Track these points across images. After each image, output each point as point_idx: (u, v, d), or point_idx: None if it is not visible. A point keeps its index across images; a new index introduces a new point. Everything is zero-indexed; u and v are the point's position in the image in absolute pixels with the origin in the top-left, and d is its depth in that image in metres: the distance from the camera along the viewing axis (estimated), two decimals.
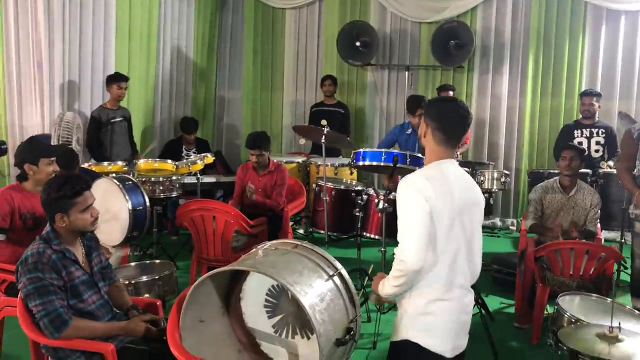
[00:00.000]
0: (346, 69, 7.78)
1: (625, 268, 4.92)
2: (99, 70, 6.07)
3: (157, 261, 4.05)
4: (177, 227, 6.14)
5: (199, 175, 5.75)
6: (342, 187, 5.30)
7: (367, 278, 4.71)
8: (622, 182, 4.11)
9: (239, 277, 2.59)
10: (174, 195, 5.45)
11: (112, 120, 5.86)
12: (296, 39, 8.07)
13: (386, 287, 2.19)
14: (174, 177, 5.38)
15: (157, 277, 3.49)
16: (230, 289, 2.63)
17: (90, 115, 5.82)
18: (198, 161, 5.58)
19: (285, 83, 8.21)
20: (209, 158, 5.77)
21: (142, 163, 5.37)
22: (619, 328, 2.47)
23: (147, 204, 4.45)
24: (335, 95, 7.36)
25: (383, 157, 4.46)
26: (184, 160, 5.68)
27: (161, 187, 5.28)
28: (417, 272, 2.08)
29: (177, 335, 2.37)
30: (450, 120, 2.24)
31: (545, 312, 4.07)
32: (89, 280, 2.67)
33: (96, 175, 4.58)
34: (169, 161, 5.42)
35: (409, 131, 5.78)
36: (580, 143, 5.74)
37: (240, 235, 4.64)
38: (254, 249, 2.51)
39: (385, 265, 4.09)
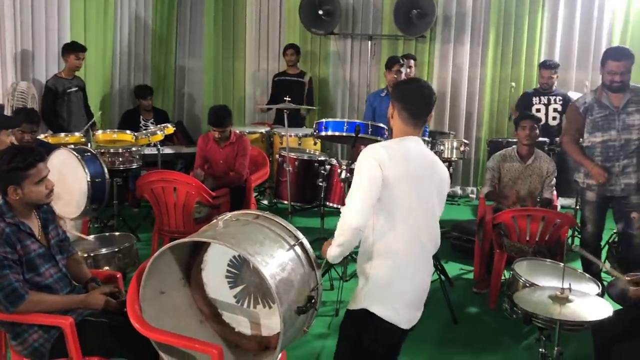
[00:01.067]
0: (309, 38, 7.70)
1: (579, 234, 5.08)
2: (53, 39, 5.86)
3: (117, 233, 4.01)
4: (138, 198, 6.07)
5: (159, 146, 5.66)
6: (306, 157, 5.30)
7: None
8: (571, 154, 4.20)
9: (199, 248, 2.57)
10: (134, 167, 5.37)
11: (68, 91, 5.69)
12: (258, 7, 7.92)
13: (331, 247, 2.26)
14: (133, 148, 5.29)
15: (116, 250, 3.46)
16: (191, 260, 2.62)
17: (45, 85, 5.64)
18: (158, 132, 5.49)
19: (247, 52, 8.08)
20: (170, 128, 5.69)
21: (100, 134, 5.26)
22: (570, 289, 2.56)
23: (107, 175, 4.38)
24: (299, 65, 7.29)
25: (345, 127, 4.46)
26: (144, 131, 5.58)
27: (121, 159, 5.20)
28: (357, 230, 2.16)
29: (137, 307, 2.35)
30: (413, 99, 2.33)
31: (503, 277, 4.19)
32: (45, 253, 2.62)
33: (52, 148, 4.47)
34: (128, 132, 5.32)
35: (384, 94, 5.84)
36: (539, 110, 5.85)
37: (202, 207, 4.61)
38: (215, 220, 2.50)
39: None
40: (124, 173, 5.51)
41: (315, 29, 7.36)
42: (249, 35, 8.02)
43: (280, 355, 2.35)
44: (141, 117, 6.70)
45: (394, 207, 2.20)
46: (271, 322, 2.48)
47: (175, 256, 2.49)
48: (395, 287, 2.23)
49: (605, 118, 3.94)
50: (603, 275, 4.39)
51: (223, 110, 5.01)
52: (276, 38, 7.93)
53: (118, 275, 2.99)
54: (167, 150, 6.20)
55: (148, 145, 5.67)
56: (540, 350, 2.72)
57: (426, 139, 4.73)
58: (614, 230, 4.61)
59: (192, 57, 8.24)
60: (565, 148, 4.27)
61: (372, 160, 2.18)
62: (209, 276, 2.59)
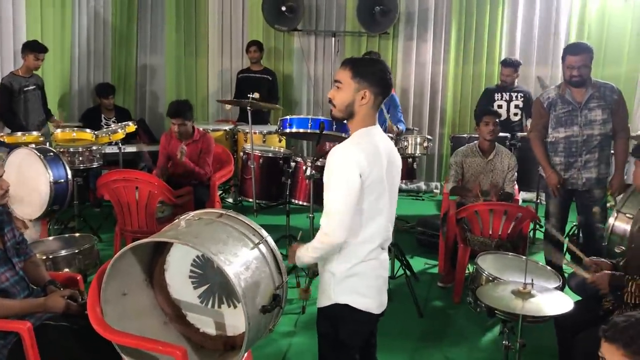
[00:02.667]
0: (272, 35, 7.66)
1: (541, 227, 5.18)
2: (8, 35, 5.69)
3: (77, 234, 3.92)
4: (99, 198, 5.94)
5: (120, 144, 5.56)
6: (270, 154, 5.26)
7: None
8: (535, 152, 4.28)
9: (162, 248, 2.53)
10: (94, 166, 5.26)
11: (25, 89, 5.54)
12: (220, 3, 7.83)
13: (304, 257, 2.26)
14: (94, 147, 5.18)
15: (77, 251, 3.38)
16: (153, 261, 2.57)
17: (1, 83, 5.47)
18: (119, 130, 5.38)
19: (210, 49, 7.98)
20: (131, 127, 5.58)
21: (59, 133, 5.13)
22: (532, 284, 2.60)
23: (70, 177, 4.27)
24: (262, 62, 7.24)
25: (310, 124, 4.45)
26: (104, 129, 5.47)
27: (81, 158, 5.09)
28: (339, 246, 2.15)
29: (99, 310, 2.30)
30: (387, 82, 2.23)
31: (467, 271, 4.24)
32: (1, 257, 2.54)
33: (12, 147, 4.34)
34: (88, 130, 5.21)
35: None
36: (500, 106, 5.95)
37: (165, 206, 4.54)
38: (177, 220, 2.46)
39: (314, 231, 4.12)
40: (84, 172, 5.40)
41: (279, 26, 7.33)
42: (212, 32, 7.93)
43: (245, 355, 2.33)
44: (102, 115, 6.57)
45: (368, 208, 2.16)
46: (236, 321, 2.45)
47: (137, 257, 2.45)
48: (364, 276, 2.23)
49: (569, 114, 4.03)
50: (564, 267, 4.50)
51: (183, 103, 5.00)
52: (239, 34, 7.86)
53: (78, 277, 2.92)
54: (129, 149, 6.09)
55: (109, 144, 5.55)
56: (503, 342, 2.75)
57: (390, 135, 4.76)
58: (574, 223, 4.72)
59: (154, 54, 8.10)
60: (531, 144, 4.33)
61: (354, 168, 2.09)
62: (172, 277, 2.55)
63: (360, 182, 2.10)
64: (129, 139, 6.05)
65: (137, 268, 2.49)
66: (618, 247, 3.41)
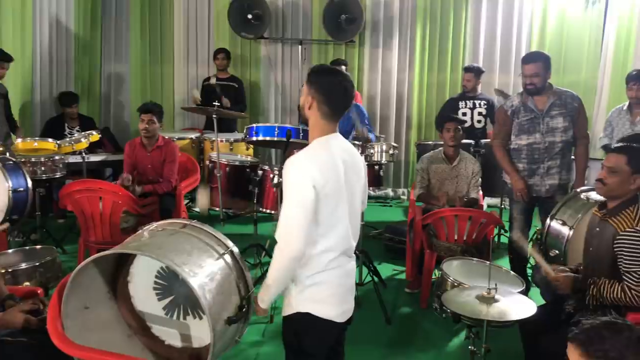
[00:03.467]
0: (239, 42, 7.63)
1: (506, 232, 5.26)
2: None
3: (38, 246, 3.83)
4: (63, 209, 5.82)
5: (84, 154, 5.46)
6: (237, 163, 5.23)
7: (264, 253, 4.74)
8: (499, 160, 4.32)
9: (125, 260, 2.49)
10: (57, 176, 5.16)
11: None
12: (186, 11, 7.75)
13: (266, 289, 2.21)
14: (56, 157, 5.08)
15: (37, 264, 3.30)
16: (116, 273, 2.53)
17: None
18: (82, 139, 5.28)
19: (175, 57, 7.87)
20: (95, 136, 5.48)
21: (20, 142, 5.02)
22: (496, 289, 2.64)
23: (30, 186, 4.18)
24: (229, 69, 7.22)
25: (276, 132, 4.45)
26: (67, 139, 5.37)
27: (43, 168, 5.00)
28: (297, 259, 2.12)
29: (59, 324, 2.25)
30: (336, 93, 2.21)
31: (434, 277, 4.28)
32: None
33: None
34: (50, 140, 5.10)
35: None
36: (465, 114, 6.04)
37: (130, 216, 4.46)
38: (140, 231, 2.43)
39: None
40: (47, 183, 5.29)
41: (245, 33, 7.31)
42: (177, 39, 7.82)
43: None
44: (66, 125, 6.44)
45: (326, 218, 2.15)
46: (202, 333, 2.43)
47: (99, 269, 2.41)
48: (324, 284, 2.22)
49: (531, 121, 4.10)
50: (528, 271, 4.58)
51: (155, 104, 5.08)
52: (205, 42, 7.80)
53: (39, 291, 2.85)
54: (93, 158, 5.99)
55: (73, 153, 5.45)
56: (469, 347, 2.78)
57: (357, 143, 4.79)
58: (538, 228, 4.80)
59: (119, 62, 7.94)
60: (494, 152, 4.38)
61: (307, 180, 2.08)
62: (136, 289, 2.52)
63: (315, 194, 2.09)
64: (93, 148, 5.95)
65: (99, 280, 2.44)
66: (552, 250, 3.52)
